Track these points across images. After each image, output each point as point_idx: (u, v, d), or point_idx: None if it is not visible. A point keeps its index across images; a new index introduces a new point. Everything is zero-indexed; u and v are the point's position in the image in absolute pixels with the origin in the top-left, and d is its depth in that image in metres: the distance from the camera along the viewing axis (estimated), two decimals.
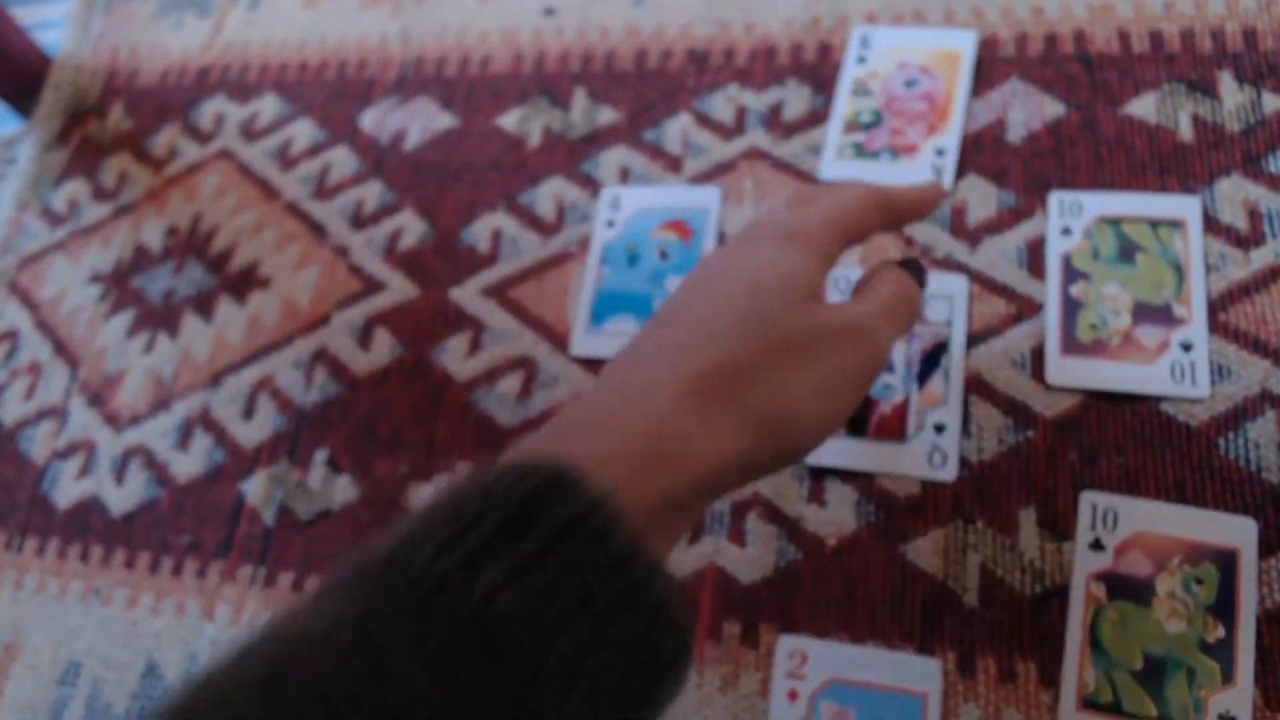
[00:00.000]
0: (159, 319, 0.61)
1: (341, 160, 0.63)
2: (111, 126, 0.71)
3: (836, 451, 0.46)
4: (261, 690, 0.22)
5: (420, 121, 0.62)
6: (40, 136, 0.72)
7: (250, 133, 0.67)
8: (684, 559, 0.46)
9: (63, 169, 0.70)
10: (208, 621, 0.51)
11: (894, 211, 0.37)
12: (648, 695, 0.25)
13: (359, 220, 0.60)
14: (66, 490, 0.57)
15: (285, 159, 0.64)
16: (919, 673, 0.42)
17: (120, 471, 0.57)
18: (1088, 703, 0.40)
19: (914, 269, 0.37)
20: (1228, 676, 0.39)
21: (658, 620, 0.25)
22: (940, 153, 0.51)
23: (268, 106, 0.67)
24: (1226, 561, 0.40)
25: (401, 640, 0.22)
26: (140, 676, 0.51)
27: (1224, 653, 0.39)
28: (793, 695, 0.42)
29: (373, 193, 0.61)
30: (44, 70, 0.74)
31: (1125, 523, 0.42)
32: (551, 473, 0.25)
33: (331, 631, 0.22)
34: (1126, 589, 0.41)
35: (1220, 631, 0.39)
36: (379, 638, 0.22)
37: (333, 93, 0.66)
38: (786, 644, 0.43)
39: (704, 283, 0.33)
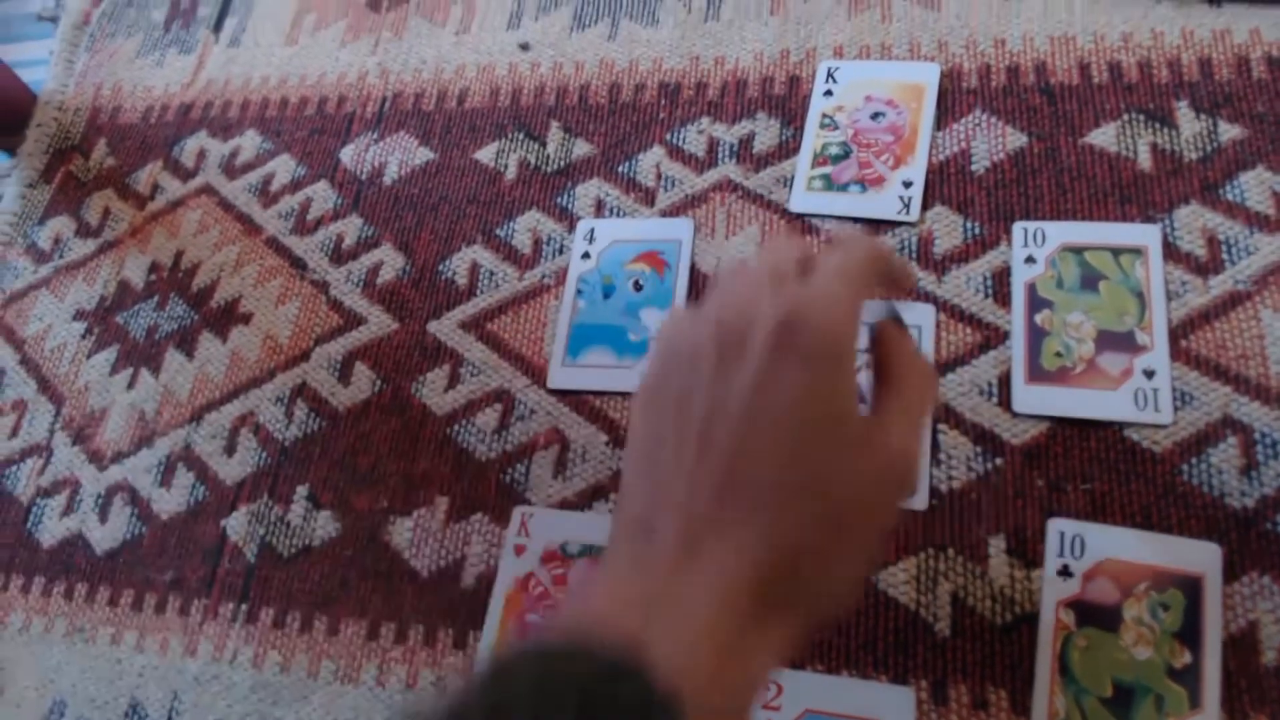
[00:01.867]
0: (141, 355, 0.62)
1: (321, 195, 0.64)
2: (95, 164, 0.72)
3: None
4: None
5: (398, 156, 0.63)
6: (25, 174, 0.73)
7: (231, 169, 0.67)
8: None
9: (47, 206, 0.71)
10: (190, 659, 0.51)
11: (888, 267, 0.34)
12: None
13: (339, 255, 0.61)
14: (51, 528, 0.58)
15: (266, 194, 0.65)
16: (893, 702, 0.42)
17: (104, 509, 0.57)
18: None
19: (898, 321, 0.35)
20: (1195, 702, 0.39)
21: None
22: (907, 184, 0.52)
23: (249, 142, 0.68)
24: (1191, 587, 0.41)
25: None
26: (124, 715, 0.51)
27: (1191, 678, 0.40)
28: None
29: (352, 227, 0.62)
30: (29, 107, 0.75)
31: (1092, 549, 0.43)
32: (621, 662, 0.25)
33: None
34: (1095, 615, 0.41)
35: (1187, 657, 0.40)
36: None
37: (312, 129, 0.67)
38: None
39: (739, 419, 0.30)
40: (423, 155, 0.63)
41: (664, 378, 0.32)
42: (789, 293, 0.30)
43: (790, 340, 0.29)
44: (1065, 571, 0.43)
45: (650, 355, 0.36)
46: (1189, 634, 0.40)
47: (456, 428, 0.53)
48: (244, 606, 0.52)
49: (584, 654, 0.26)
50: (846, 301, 0.31)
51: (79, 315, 0.65)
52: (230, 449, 0.56)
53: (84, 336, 0.64)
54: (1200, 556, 0.42)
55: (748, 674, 0.28)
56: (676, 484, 0.30)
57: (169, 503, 0.56)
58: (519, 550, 0.49)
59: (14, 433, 0.62)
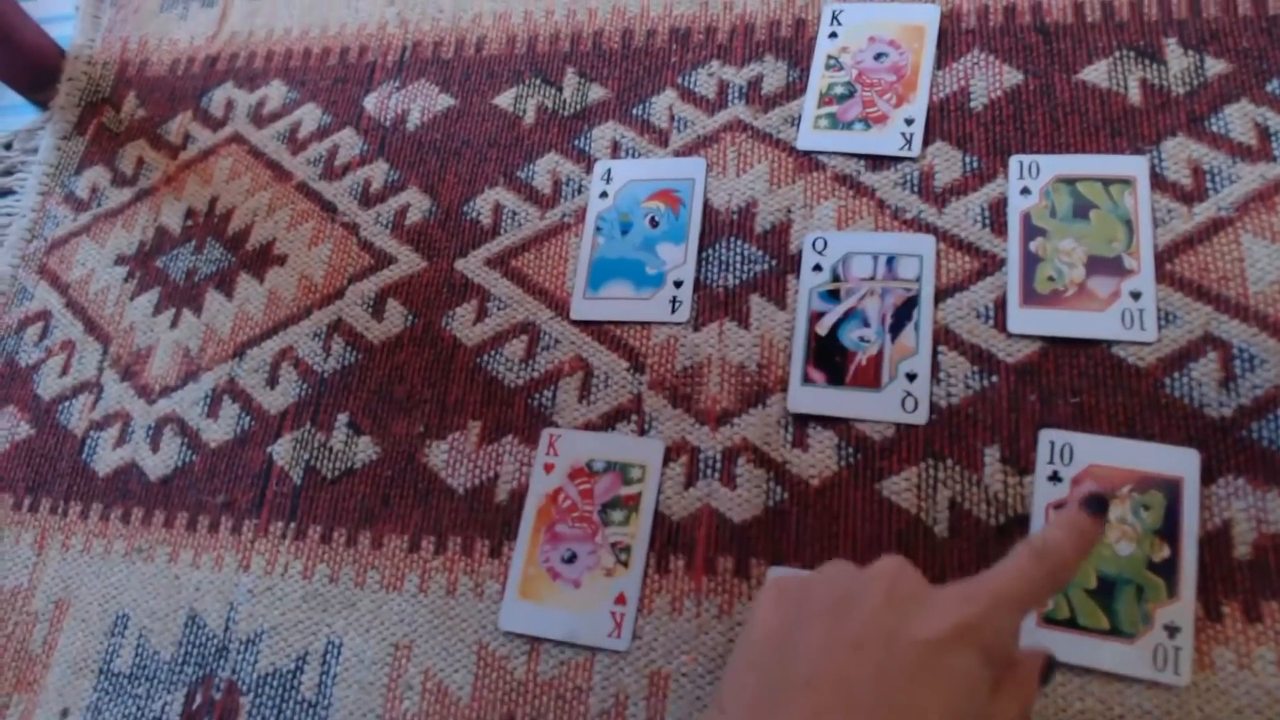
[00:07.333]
0: (183, 296, 0.65)
1: (348, 142, 0.66)
2: (126, 115, 0.74)
3: (818, 400, 0.50)
4: None
5: (420, 103, 0.66)
6: (58, 126, 0.75)
7: (259, 118, 0.70)
8: (681, 501, 0.50)
9: (82, 157, 0.74)
10: (244, 573, 0.55)
11: (1057, 573, 0.33)
12: None
13: (367, 198, 0.64)
14: (105, 458, 0.61)
15: (294, 142, 0.68)
16: None
17: (155, 439, 0.61)
18: (1047, 619, 0.44)
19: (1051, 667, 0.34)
20: (1172, 591, 0.43)
21: None
22: (909, 121, 0.54)
23: (275, 92, 0.71)
24: (1172, 489, 0.45)
25: None
26: (184, 625, 0.55)
27: (1169, 570, 0.43)
28: None
29: (379, 172, 0.65)
30: (58, 63, 0.78)
31: (1080, 456, 0.46)
32: None
33: None
34: None
35: (1166, 551, 0.44)
36: None
37: (336, 78, 0.69)
38: (775, 575, 0.48)
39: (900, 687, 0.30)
40: (444, 101, 0.65)
41: (810, 587, 0.33)
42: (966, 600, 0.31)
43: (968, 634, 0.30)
44: (1055, 477, 0.46)
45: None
46: (1168, 531, 0.44)
47: (486, 357, 0.57)
48: (292, 525, 0.56)
49: None
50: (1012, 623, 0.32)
51: (120, 260, 0.68)
52: (272, 381, 0.60)
53: (126, 280, 0.67)
54: (1180, 461, 0.45)
55: None
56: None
57: (217, 432, 0.60)
58: (548, 468, 0.53)
59: (64, 371, 0.65)
